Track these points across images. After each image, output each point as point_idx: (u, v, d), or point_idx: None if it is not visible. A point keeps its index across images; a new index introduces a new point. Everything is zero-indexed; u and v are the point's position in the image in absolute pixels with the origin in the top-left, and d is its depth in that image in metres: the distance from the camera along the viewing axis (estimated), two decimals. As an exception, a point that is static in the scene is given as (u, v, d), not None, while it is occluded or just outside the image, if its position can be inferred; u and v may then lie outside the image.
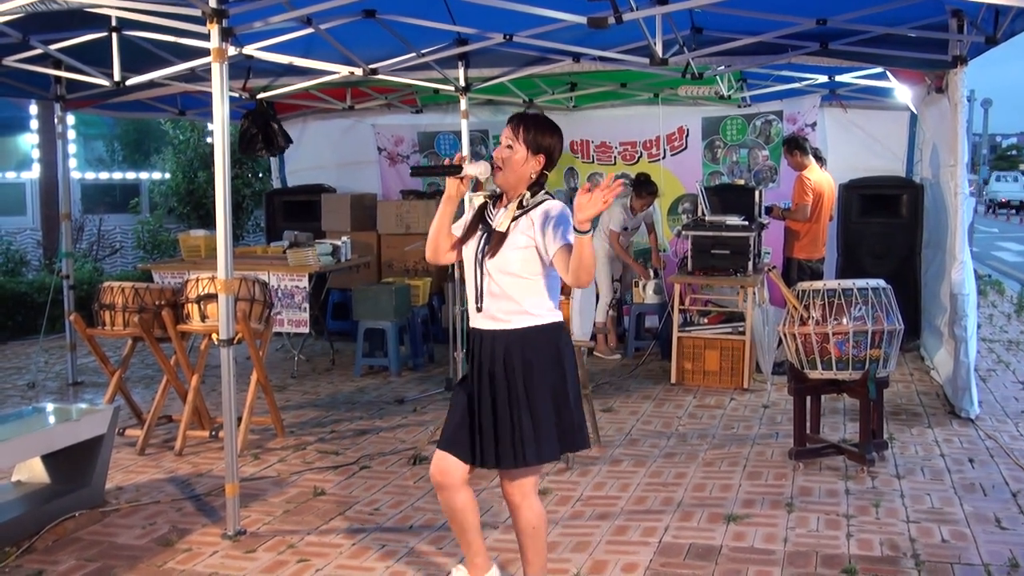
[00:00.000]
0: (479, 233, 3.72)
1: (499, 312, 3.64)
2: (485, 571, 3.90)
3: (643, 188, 9.24)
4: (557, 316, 3.72)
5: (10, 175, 15.80)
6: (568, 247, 3.48)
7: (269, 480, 5.76)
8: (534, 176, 3.66)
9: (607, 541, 4.70)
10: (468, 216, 3.82)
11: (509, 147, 3.64)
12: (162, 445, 6.52)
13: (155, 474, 5.93)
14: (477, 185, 3.83)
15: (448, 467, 3.69)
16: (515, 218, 3.61)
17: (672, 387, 8.13)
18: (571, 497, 5.36)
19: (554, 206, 3.61)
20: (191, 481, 5.78)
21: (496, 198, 3.77)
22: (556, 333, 3.70)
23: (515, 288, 3.61)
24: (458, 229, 3.82)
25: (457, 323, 5.90)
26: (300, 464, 6.08)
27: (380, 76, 7.58)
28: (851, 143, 10.13)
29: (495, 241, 3.61)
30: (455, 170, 3.64)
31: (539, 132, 3.66)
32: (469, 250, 3.74)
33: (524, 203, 3.63)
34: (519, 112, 3.78)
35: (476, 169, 3.66)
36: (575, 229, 3.37)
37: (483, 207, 3.78)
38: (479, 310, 3.68)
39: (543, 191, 3.69)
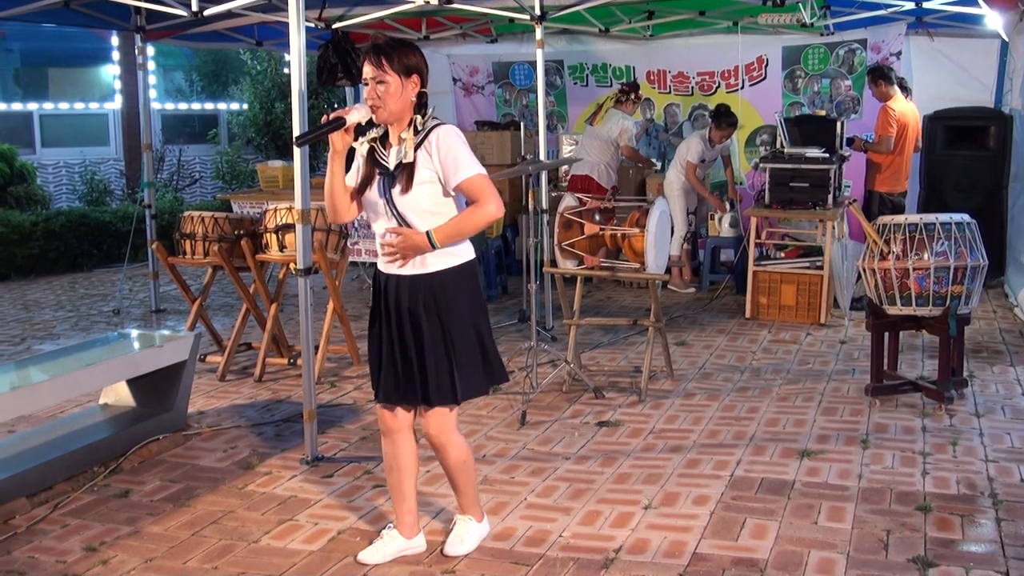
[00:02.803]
0: (378, 177, 3.59)
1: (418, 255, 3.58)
2: (415, 533, 3.90)
3: (723, 119, 9.09)
4: (471, 252, 3.68)
5: (93, 106, 16.15)
6: (471, 181, 3.46)
7: (345, 408, 5.87)
8: (415, 99, 3.53)
9: (679, 474, 4.71)
10: (358, 163, 3.68)
11: (380, 82, 3.47)
12: (242, 372, 6.68)
13: (235, 400, 6.08)
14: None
15: (398, 416, 3.76)
16: (417, 146, 3.50)
17: (746, 321, 8.06)
18: (643, 429, 5.38)
19: (445, 133, 3.51)
20: (270, 407, 5.91)
21: (382, 139, 3.63)
22: (473, 269, 3.68)
23: (429, 226, 3.52)
24: (350, 181, 3.69)
25: (531, 255, 5.90)
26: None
27: (455, 5, 7.52)
28: (937, 72, 9.79)
29: (404, 175, 3.50)
30: (339, 123, 3.47)
31: (401, 55, 3.49)
32: (373, 195, 3.60)
33: (419, 127, 3.52)
34: (371, 44, 3.52)
35: (358, 115, 3.50)
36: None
37: (371, 152, 3.63)
38: None
39: (431, 112, 3.58)
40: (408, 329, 3.61)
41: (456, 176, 3.47)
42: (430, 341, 3.58)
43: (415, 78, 3.52)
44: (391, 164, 3.56)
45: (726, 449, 5.05)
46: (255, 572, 3.78)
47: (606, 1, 7.84)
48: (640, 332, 7.43)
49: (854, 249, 7.79)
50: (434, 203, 3.53)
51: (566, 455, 4.99)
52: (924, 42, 9.83)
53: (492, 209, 3.49)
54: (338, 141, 3.51)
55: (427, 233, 3.49)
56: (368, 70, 3.49)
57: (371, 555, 3.83)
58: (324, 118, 3.50)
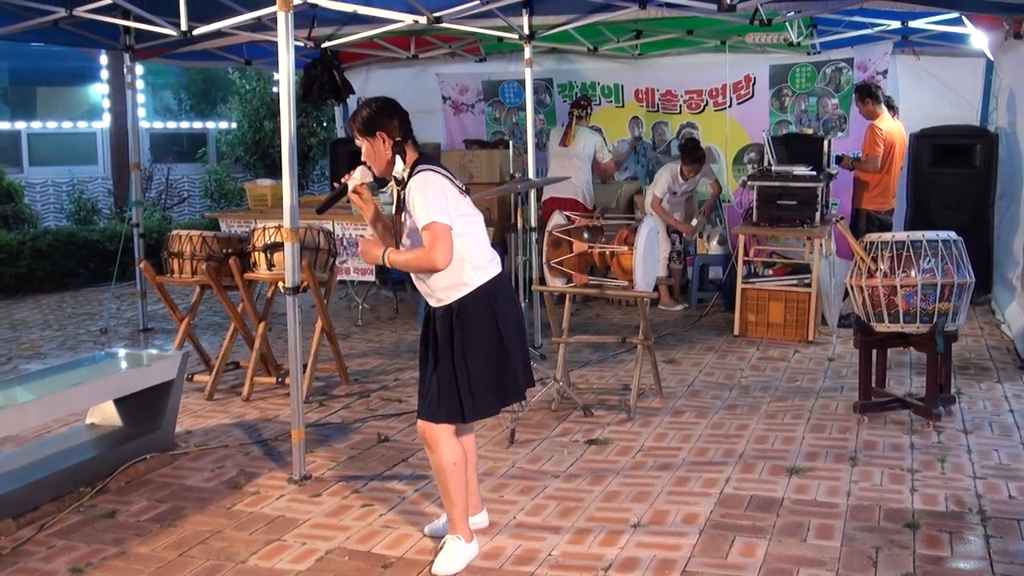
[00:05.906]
0: (405, 220, 3.91)
1: (437, 291, 3.85)
2: (479, 510, 4.28)
3: (688, 155, 9.08)
4: (487, 273, 3.88)
5: (82, 125, 16.11)
6: (424, 229, 3.67)
7: (334, 426, 5.86)
8: (390, 152, 3.82)
9: (668, 492, 4.71)
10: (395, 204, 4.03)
11: (359, 147, 3.87)
12: (230, 391, 6.65)
13: (223, 419, 6.06)
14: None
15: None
16: (400, 200, 3.84)
17: (735, 339, 8.08)
18: (632, 447, 5.38)
19: (415, 183, 3.75)
20: (258, 426, 5.89)
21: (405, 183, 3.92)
22: (490, 292, 3.87)
23: None
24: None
25: (520, 273, 5.91)
26: (364, 411, 6.16)
27: (444, 24, 7.53)
28: (923, 91, 9.85)
29: (398, 229, 3.88)
30: (343, 189, 3.90)
31: (361, 121, 3.82)
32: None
33: (400, 179, 3.85)
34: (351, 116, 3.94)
35: (358, 178, 3.89)
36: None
37: (399, 194, 3.94)
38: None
39: (416, 159, 3.84)
40: (431, 350, 3.92)
41: (418, 225, 3.72)
42: (445, 364, 3.83)
43: (380, 135, 3.82)
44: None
45: (715, 467, 5.05)
46: (242, 592, 3.76)
47: (594, 21, 7.86)
48: (629, 350, 7.43)
49: (842, 267, 7.82)
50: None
51: (555, 473, 4.98)
52: (910, 61, 9.90)
53: (433, 257, 3.67)
54: (359, 201, 3.91)
55: (384, 252, 3.83)
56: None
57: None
58: (335, 185, 3.95)
